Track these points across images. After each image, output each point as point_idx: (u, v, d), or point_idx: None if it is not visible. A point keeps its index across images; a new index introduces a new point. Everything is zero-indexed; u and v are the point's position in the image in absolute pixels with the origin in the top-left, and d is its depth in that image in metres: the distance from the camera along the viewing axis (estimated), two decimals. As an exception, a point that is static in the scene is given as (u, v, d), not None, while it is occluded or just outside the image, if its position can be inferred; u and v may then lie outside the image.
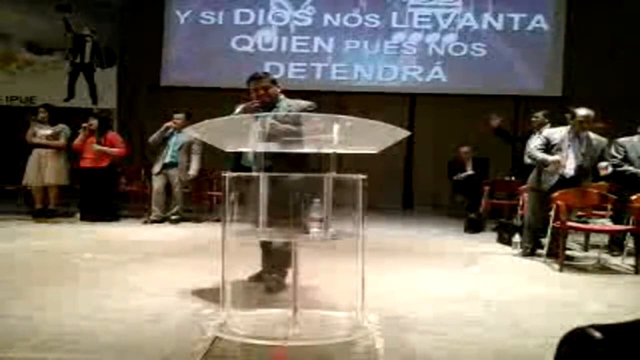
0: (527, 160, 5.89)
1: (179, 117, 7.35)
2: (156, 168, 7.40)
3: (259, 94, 3.77)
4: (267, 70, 10.36)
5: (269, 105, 3.74)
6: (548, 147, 5.35)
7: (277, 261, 3.73)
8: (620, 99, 8.88)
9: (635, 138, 5.93)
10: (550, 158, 5.23)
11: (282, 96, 3.87)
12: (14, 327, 2.91)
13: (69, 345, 2.66)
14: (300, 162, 3.31)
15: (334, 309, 3.28)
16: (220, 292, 2.99)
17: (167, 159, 7.35)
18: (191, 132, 6.94)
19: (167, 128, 7.33)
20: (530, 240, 5.49)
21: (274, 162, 3.23)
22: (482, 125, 7.96)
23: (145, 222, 7.30)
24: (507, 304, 3.63)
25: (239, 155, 3.71)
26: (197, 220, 7.66)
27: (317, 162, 3.32)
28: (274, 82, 3.87)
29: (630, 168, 5.79)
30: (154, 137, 7.35)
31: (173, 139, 7.36)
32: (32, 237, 6.03)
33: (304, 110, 3.65)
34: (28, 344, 2.66)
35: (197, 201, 8.48)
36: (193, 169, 7.40)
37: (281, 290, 3.67)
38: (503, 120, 7.79)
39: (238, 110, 3.67)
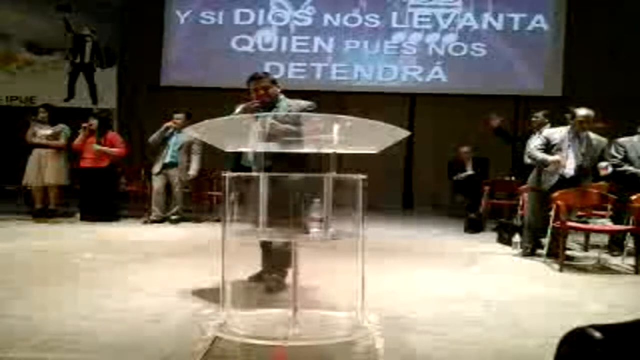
0: (527, 160, 5.89)
1: (179, 117, 7.35)
2: (156, 168, 7.40)
3: (259, 94, 3.76)
4: (267, 70, 10.39)
5: (269, 105, 3.74)
6: (548, 147, 5.35)
7: (277, 261, 3.73)
8: (620, 99, 8.88)
9: (635, 138, 5.93)
10: (550, 158, 5.23)
11: (282, 96, 3.87)
12: (14, 327, 2.91)
13: (69, 345, 2.66)
14: (301, 162, 3.30)
15: (334, 309, 3.28)
16: (220, 292, 2.99)
17: (167, 159, 7.35)
18: (191, 132, 6.96)
19: (167, 128, 7.33)
20: (531, 240, 5.49)
21: (274, 162, 3.23)
22: (482, 125, 7.95)
23: (145, 222, 7.30)
24: (507, 304, 3.63)
25: (239, 155, 3.70)
26: (197, 220, 7.66)
27: (317, 162, 3.31)
28: (274, 82, 3.87)
29: (630, 168, 5.79)
30: (153, 137, 7.35)
31: (173, 139, 7.36)
32: (32, 237, 6.03)
33: (304, 110, 3.65)
34: (28, 344, 2.66)
35: (197, 201, 8.48)
36: (193, 169, 7.39)
37: (281, 290, 3.67)
38: (503, 120, 7.79)
39: (238, 110, 3.67)
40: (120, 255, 5.02)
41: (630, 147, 5.86)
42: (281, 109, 3.69)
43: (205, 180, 8.41)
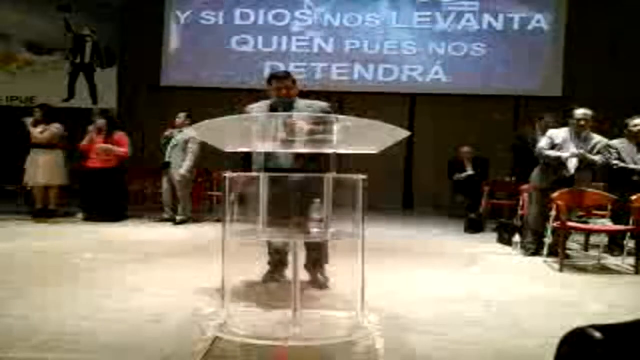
0: (541, 160, 5.82)
1: (180, 116, 7.45)
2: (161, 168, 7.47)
3: (280, 93, 3.70)
4: (266, 70, 10.42)
5: (289, 104, 3.67)
6: (551, 147, 5.40)
7: (315, 258, 3.75)
8: (620, 99, 8.86)
9: (626, 139, 5.94)
10: (564, 155, 5.26)
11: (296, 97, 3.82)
12: (14, 326, 2.91)
13: (69, 345, 2.66)
14: (327, 162, 3.19)
15: (334, 309, 3.28)
16: (220, 292, 2.99)
17: (166, 159, 7.37)
18: (190, 132, 6.97)
19: (166, 137, 7.42)
20: (533, 240, 5.50)
21: (307, 163, 3.24)
22: (482, 125, 7.94)
23: (157, 220, 7.34)
24: (507, 304, 3.63)
25: (265, 156, 3.52)
26: (197, 220, 7.65)
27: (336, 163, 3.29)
28: (294, 82, 3.81)
29: (620, 163, 5.76)
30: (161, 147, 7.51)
31: (173, 140, 7.38)
32: (32, 237, 6.03)
33: (324, 111, 3.60)
34: (28, 343, 2.66)
35: (197, 201, 8.46)
36: (183, 168, 7.26)
37: (326, 285, 3.76)
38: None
39: (254, 108, 3.66)
40: (120, 255, 5.02)
41: (622, 149, 5.85)
42: (300, 109, 3.61)
43: (206, 180, 8.40)
